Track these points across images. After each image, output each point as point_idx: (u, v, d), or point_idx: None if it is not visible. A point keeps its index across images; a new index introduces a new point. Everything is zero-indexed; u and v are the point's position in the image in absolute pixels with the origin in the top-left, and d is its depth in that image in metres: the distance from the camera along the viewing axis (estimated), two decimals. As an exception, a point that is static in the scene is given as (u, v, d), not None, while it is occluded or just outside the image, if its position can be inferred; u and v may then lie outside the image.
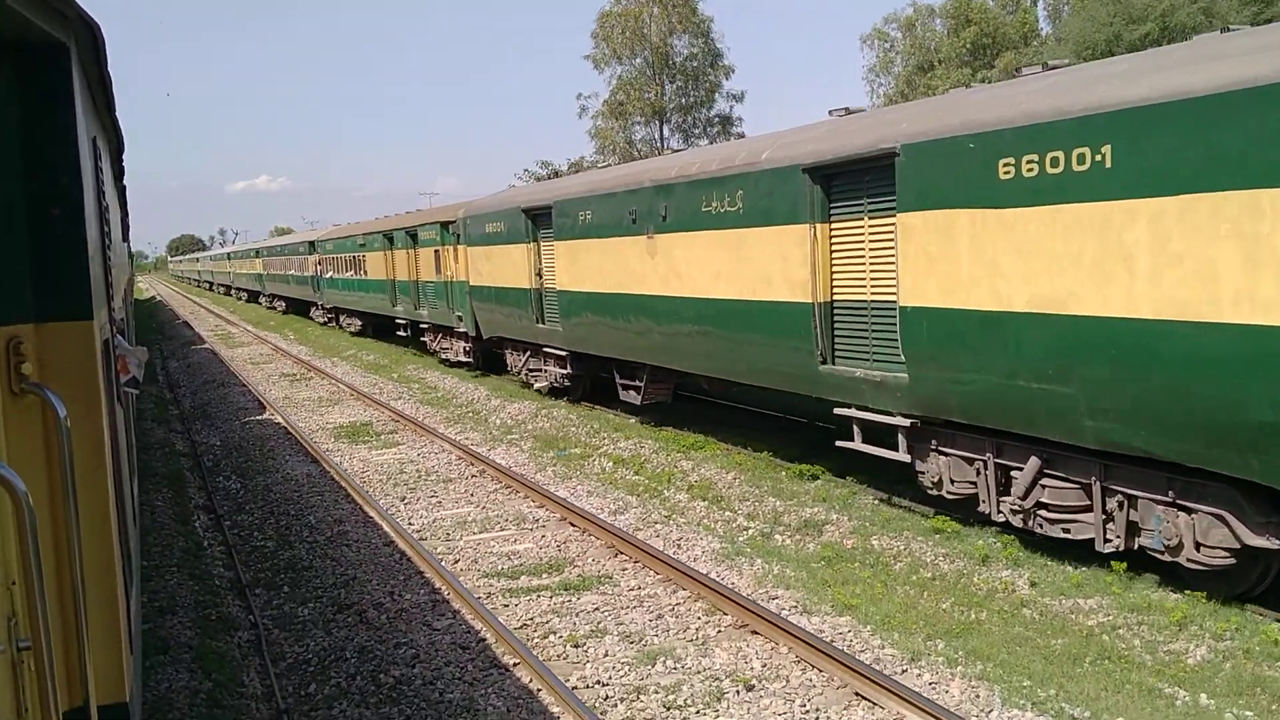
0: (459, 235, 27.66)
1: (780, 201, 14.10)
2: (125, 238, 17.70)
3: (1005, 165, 10.34)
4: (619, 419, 20.79)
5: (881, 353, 12.75)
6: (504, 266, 24.42)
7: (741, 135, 66.84)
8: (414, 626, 10.85)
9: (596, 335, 20.36)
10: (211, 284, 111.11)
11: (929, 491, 12.61)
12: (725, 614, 10.57)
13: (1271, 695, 8.14)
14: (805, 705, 8.51)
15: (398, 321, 35.63)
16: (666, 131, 68.61)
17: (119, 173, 9.21)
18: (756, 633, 10.04)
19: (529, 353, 24.67)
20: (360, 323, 42.96)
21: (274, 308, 65.86)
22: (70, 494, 3.01)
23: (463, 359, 29.66)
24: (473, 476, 17.57)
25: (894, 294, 12.25)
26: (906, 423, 12.44)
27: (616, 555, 12.78)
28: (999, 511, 11.54)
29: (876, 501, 13.95)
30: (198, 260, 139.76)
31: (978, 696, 8.47)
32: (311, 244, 49.81)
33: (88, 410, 3.33)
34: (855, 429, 13.46)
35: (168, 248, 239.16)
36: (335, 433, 22.37)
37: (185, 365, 38.44)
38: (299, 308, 58.41)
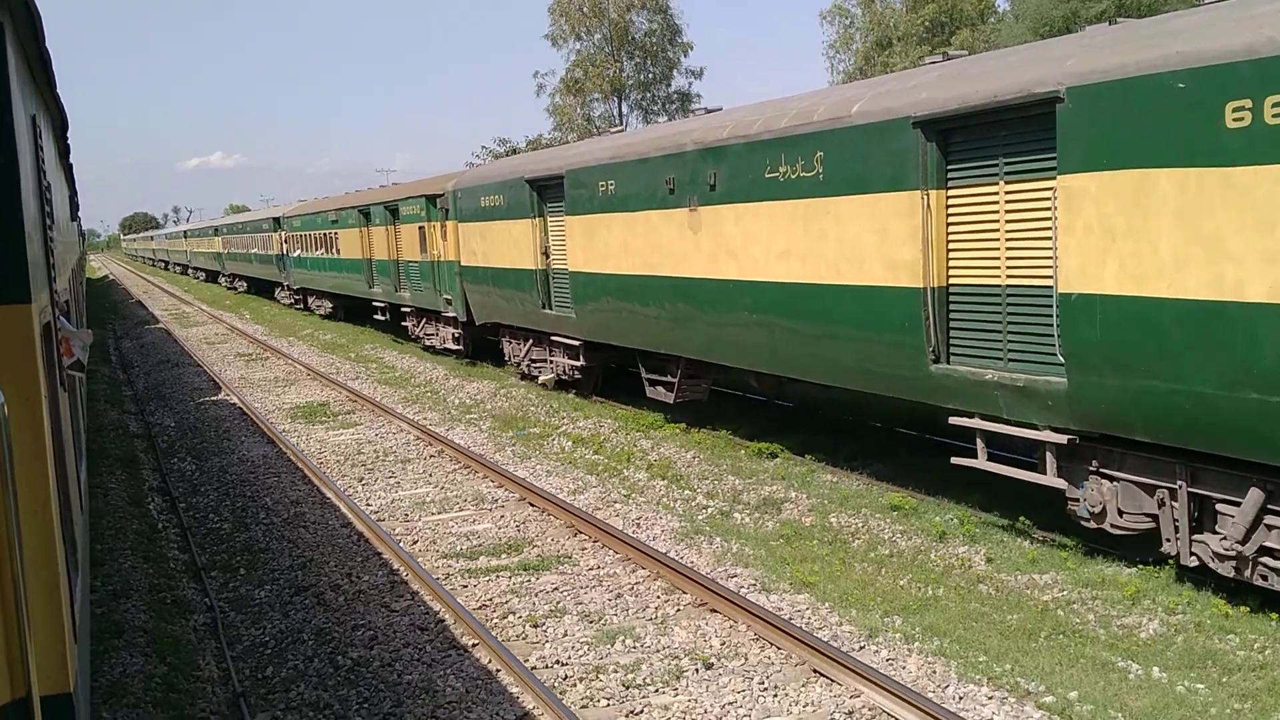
0: (447, 210, 25.14)
1: (879, 164, 11.64)
2: (74, 216, 17.36)
3: (1236, 111, 7.97)
4: (578, 398, 20.74)
5: (1022, 350, 10.47)
6: (503, 245, 21.73)
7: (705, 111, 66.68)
8: (372, 608, 10.78)
9: (619, 323, 17.82)
10: (167, 263, 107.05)
11: (1084, 523, 10.23)
12: (684, 593, 10.59)
13: (1222, 668, 8.27)
14: (763, 682, 8.55)
15: (375, 305, 33.10)
16: (625, 108, 68.34)
17: (64, 150, 9.00)
18: (715, 611, 10.07)
19: (531, 341, 22.13)
20: (331, 305, 40.42)
21: (235, 288, 62.81)
22: (8, 483, 2.93)
23: (451, 346, 26.91)
24: (431, 457, 17.47)
25: (1046, 278, 10.06)
26: (1060, 439, 10.09)
27: (576, 535, 12.77)
28: (1190, 554, 9.28)
29: (834, 479, 14.01)
30: (152, 239, 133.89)
31: (934, 672, 8.54)
32: (277, 221, 46.84)
33: (26, 397, 3.24)
34: (979, 444, 11.21)
35: (120, 226, 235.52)
36: (292, 413, 22.16)
37: (139, 345, 37.91)
38: (262, 288, 55.44)
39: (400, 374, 26.54)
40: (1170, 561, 9.85)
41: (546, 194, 20.28)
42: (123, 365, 32.19)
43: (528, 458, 16.85)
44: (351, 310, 39.01)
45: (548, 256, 20.32)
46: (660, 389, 17.60)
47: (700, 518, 13.11)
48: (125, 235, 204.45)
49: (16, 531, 2.95)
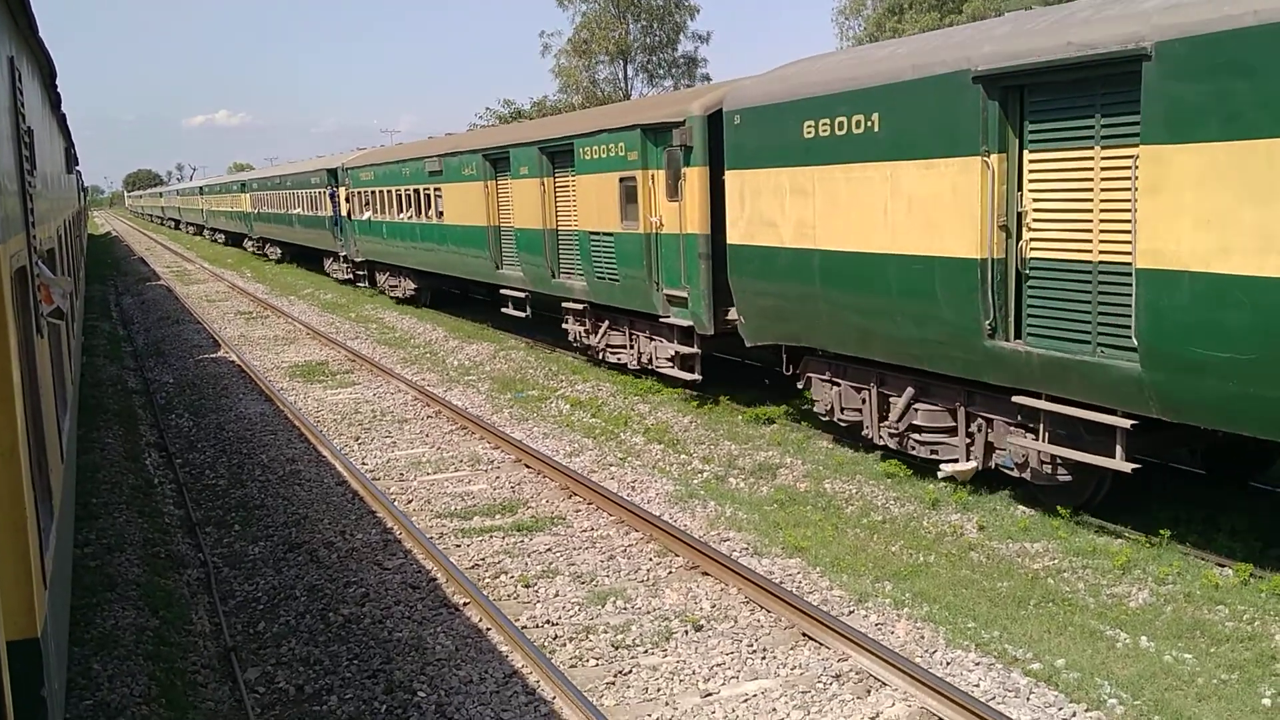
0: (690, 150, 15.57)
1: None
2: (69, 168, 17.22)
3: None
4: (576, 361, 20.70)
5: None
6: (868, 209, 11.94)
7: (707, 77, 66.34)
8: (364, 566, 10.80)
9: None
10: (178, 222, 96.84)
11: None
12: (677, 555, 10.60)
13: (1210, 638, 8.28)
14: (752, 645, 8.56)
15: (507, 293, 23.07)
16: (631, 71, 67.87)
17: (55, 100, 8.91)
18: (707, 574, 10.08)
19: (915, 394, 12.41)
20: (416, 286, 30.80)
21: (266, 254, 53.26)
22: None
23: (667, 369, 17.30)
24: (429, 417, 17.47)
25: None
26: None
27: (571, 497, 12.77)
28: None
29: (830, 446, 14.00)
30: (161, 195, 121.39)
31: (923, 637, 8.56)
32: (333, 173, 36.56)
33: None
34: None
35: (124, 182, 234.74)
36: (290, 372, 22.14)
37: (139, 302, 37.87)
38: (306, 258, 46.66)
39: (400, 334, 26.50)
40: (1162, 532, 9.86)
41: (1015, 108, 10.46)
42: (123, 321, 32.18)
43: (525, 420, 16.84)
44: (445, 298, 30.76)
45: (1017, 234, 10.52)
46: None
47: (695, 482, 13.11)
48: (130, 191, 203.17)
49: None
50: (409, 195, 28.33)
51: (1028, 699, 7.53)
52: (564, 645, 8.79)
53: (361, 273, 35.90)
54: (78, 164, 27.83)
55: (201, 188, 78.51)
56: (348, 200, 34.71)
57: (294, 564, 11.03)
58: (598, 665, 8.41)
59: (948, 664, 8.10)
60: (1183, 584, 9.15)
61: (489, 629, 9.10)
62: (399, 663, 8.58)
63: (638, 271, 17.08)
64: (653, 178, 16.53)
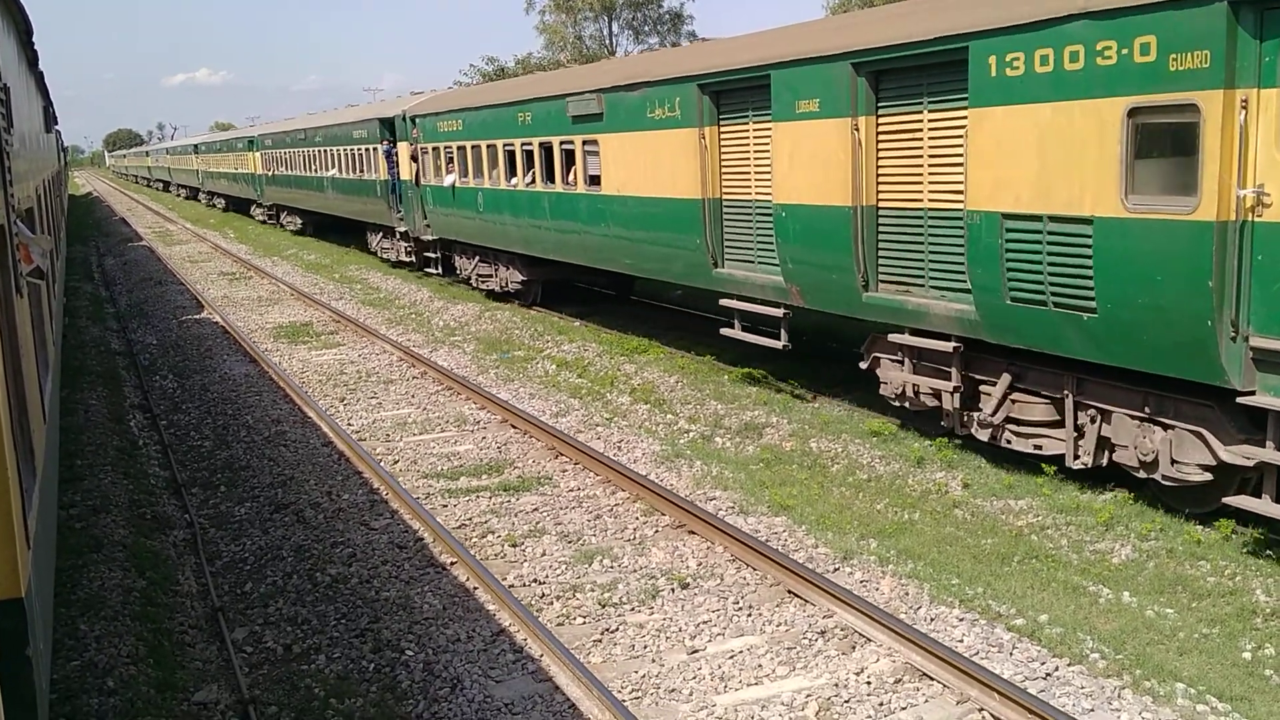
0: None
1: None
2: (48, 128, 17.04)
3: None
4: (563, 321, 20.65)
5: None
6: None
7: (693, 34, 65.83)
8: (351, 526, 10.81)
9: None
10: (168, 184, 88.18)
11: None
12: (663, 514, 10.64)
13: (1192, 593, 8.36)
14: (738, 602, 8.62)
15: (736, 306, 14.94)
16: (616, 28, 67.32)
17: (31, 58, 8.78)
18: (693, 533, 10.12)
19: None
20: (525, 279, 22.69)
21: (281, 224, 45.86)
22: None
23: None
24: (414, 378, 17.44)
25: None
26: None
27: (557, 457, 12.79)
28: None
29: (816, 405, 14.03)
30: (148, 154, 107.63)
31: (907, 594, 8.62)
32: (388, 124, 28.34)
33: None
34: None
35: (104, 142, 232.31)
36: (274, 333, 22.05)
37: (121, 263, 37.60)
38: (339, 229, 38.35)
39: (384, 295, 26.39)
40: (1145, 490, 9.92)
41: None
42: (105, 283, 31.95)
43: (511, 380, 16.83)
44: (561, 292, 23.41)
45: None
46: None
47: (681, 441, 13.14)
48: (112, 151, 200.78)
49: None
50: (528, 152, 20.20)
51: (1011, 653, 7.61)
52: (551, 604, 8.83)
53: (432, 255, 27.10)
54: (57, 123, 27.49)
55: (197, 145, 67.45)
56: (414, 159, 26.31)
57: (281, 524, 11.03)
58: (585, 623, 8.45)
59: (932, 620, 8.17)
60: (1165, 540, 9.23)
61: (476, 588, 9.13)
62: (386, 622, 8.61)
63: (1177, 295, 8.55)
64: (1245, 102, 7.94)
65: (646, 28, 67.07)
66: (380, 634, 8.40)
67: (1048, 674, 7.33)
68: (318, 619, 8.78)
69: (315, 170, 36.79)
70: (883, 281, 12.03)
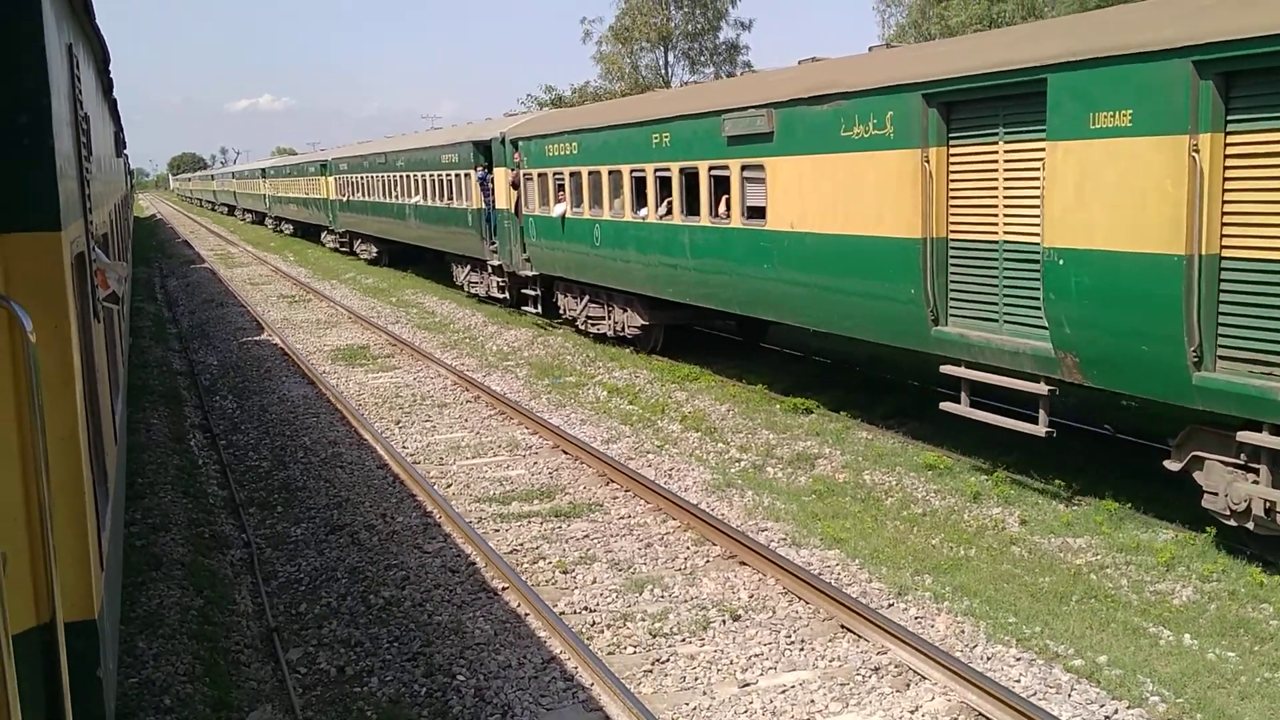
0: None
1: None
2: (118, 153, 17.46)
3: None
4: (614, 349, 20.71)
5: None
6: None
7: (749, 64, 66.07)
8: (405, 549, 10.89)
9: None
10: (232, 208, 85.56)
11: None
12: (714, 544, 10.60)
13: (1255, 637, 8.18)
14: (790, 636, 8.56)
15: (963, 375, 11.91)
16: (672, 58, 67.68)
17: (107, 85, 9.03)
18: (745, 564, 10.08)
19: None
20: (646, 323, 19.72)
21: (354, 252, 42.90)
22: (36, 409, 2.95)
23: None
24: (467, 402, 17.56)
25: None
26: None
27: (608, 484, 12.80)
28: None
29: (869, 437, 13.93)
30: (213, 178, 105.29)
31: (963, 632, 8.51)
32: (483, 147, 25.94)
33: (55, 324, 3.25)
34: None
35: (169, 165, 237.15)
36: (332, 355, 22.33)
37: (184, 285, 38.30)
38: (413, 259, 36.64)
39: (440, 320, 26.64)
40: (1208, 529, 9.73)
41: None
42: (168, 303, 32.57)
43: (562, 406, 16.89)
44: (685, 338, 20.68)
45: None
46: None
47: (733, 471, 13.10)
48: (175, 175, 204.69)
49: (44, 458, 2.98)
50: (664, 179, 17.64)
51: (1069, 695, 7.48)
52: (602, 632, 8.82)
53: (531, 292, 24.17)
54: (125, 148, 28.15)
55: (265, 169, 65.82)
56: (515, 187, 23.90)
57: (336, 546, 11.14)
58: (635, 653, 8.44)
59: (988, 659, 8.06)
60: (1227, 581, 9.04)
61: (527, 614, 9.15)
62: (439, 646, 8.65)
63: None
64: None
65: (703, 58, 67.33)
66: (432, 658, 8.45)
67: (1107, 717, 7.20)
68: (371, 641, 8.85)
69: (395, 197, 34.36)
70: (1228, 359, 8.90)
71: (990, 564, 9.84)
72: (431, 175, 30.11)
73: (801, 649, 8.37)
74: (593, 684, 7.86)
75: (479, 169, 25.90)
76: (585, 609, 9.28)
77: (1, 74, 3.08)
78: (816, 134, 13.43)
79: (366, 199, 38.73)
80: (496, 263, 25.73)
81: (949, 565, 9.84)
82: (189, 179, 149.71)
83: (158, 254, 52.07)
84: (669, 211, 17.40)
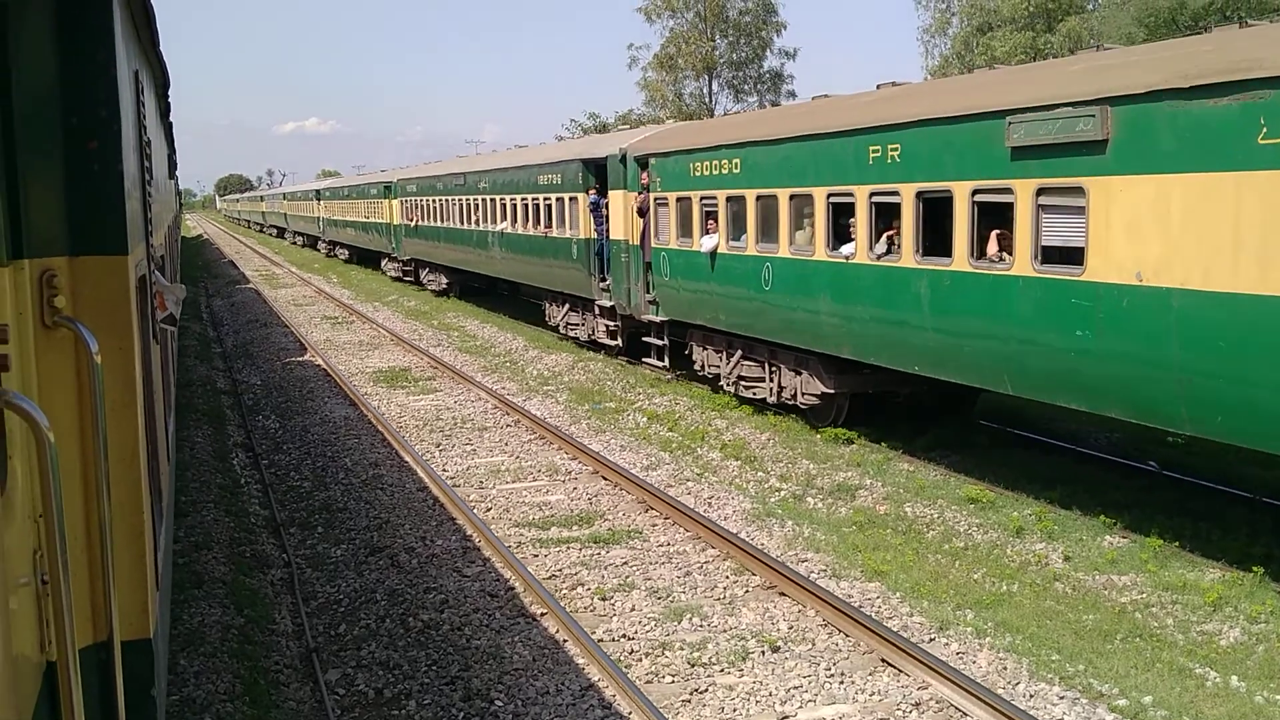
0: None
1: None
2: (171, 175, 17.78)
3: None
4: (654, 373, 20.73)
5: None
6: None
7: (793, 94, 66.24)
8: (444, 572, 10.93)
9: None
10: (282, 231, 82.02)
11: None
12: (754, 574, 10.55)
13: (1305, 681, 8.03)
14: (830, 669, 8.49)
15: None
16: (716, 87, 67.98)
17: (165, 109, 9.22)
18: (784, 594, 10.02)
19: None
20: (829, 387, 15.32)
21: (420, 283, 39.25)
22: (99, 429, 3.01)
23: None
24: (507, 426, 17.63)
25: None
26: None
27: (647, 510, 12.79)
28: None
29: (911, 468, 13.84)
30: (262, 199, 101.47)
31: (1005, 668, 8.41)
32: (595, 166, 22.16)
33: (119, 345, 3.33)
34: None
35: (215, 186, 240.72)
36: (374, 377, 22.51)
37: (229, 304, 38.79)
38: (474, 291, 35.14)
39: (480, 343, 26.79)
40: (1255, 569, 9.57)
41: None
42: (213, 323, 32.99)
43: (602, 431, 16.92)
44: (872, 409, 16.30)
45: None
46: None
47: (772, 500, 13.05)
48: (221, 196, 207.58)
49: (105, 478, 3.04)
50: (885, 205, 13.32)
51: (1113, 736, 7.37)
52: (640, 660, 8.80)
53: (656, 341, 20.02)
54: (176, 169, 28.61)
55: (319, 191, 62.18)
56: (643, 213, 19.77)
57: (375, 568, 11.20)
58: (674, 682, 8.40)
59: (1031, 696, 7.96)
60: (1275, 623, 8.88)
61: (566, 640, 9.14)
62: (477, 670, 8.66)
63: None
64: None
65: (746, 87, 67.61)
66: (470, 682, 8.46)
67: (1152, 759, 7.09)
68: (409, 664, 8.87)
69: (475, 223, 30.45)
70: None
71: (1033, 600, 9.73)
72: (524, 199, 26.32)
73: (841, 682, 8.30)
74: (631, 712, 7.83)
75: (591, 192, 22.05)
76: (624, 636, 9.26)
77: (77, 101, 3.17)
78: (1201, 142, 9.10)
79: (439, 224, 34.83)
80: (607, 304, 21.64)
81: (991, 600, 9.74)
82: (237, 200, 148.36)
83: (204, 274, 52.77)
84: (890, 249, 13.08)
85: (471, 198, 30.81)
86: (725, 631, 9.29)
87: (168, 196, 13.82)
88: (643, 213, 19.73)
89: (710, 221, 17.25)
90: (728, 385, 17.65)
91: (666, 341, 19.80)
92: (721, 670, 8.57)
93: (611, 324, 22.19)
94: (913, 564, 10.71)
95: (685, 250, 18.10)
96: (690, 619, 9.56)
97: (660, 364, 20.19)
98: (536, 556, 11.32)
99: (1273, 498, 11.79)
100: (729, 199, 16.76)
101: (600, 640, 9.10)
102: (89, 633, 3.08)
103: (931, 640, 8.97)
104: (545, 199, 24.73)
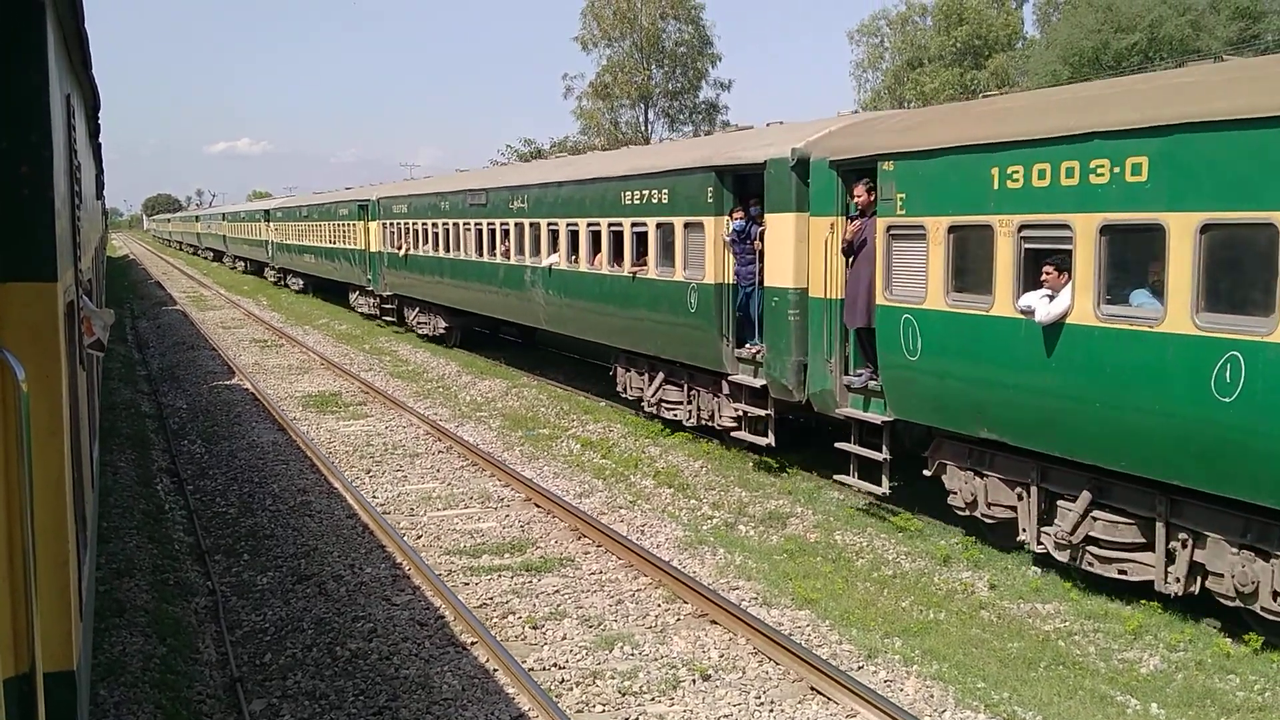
0: None
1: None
2: (99, 195, 17.47)
3: None
4: (589, 400, 20.72)
5: None
6: None
7: (727, 124, 66.94)
8: (373, 601, 10.80)
9: None
10: (220, 254, 76.32)
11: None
12: (685, 602, 10.58)
13: (1221, 707, 8.23)
14: (760, 697, 8.53)
15: None
16: (652, 115, 68.49)
17: (94, 130, 9.07)
18: (715, 622, 10.06)
19: None
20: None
21: (405, 324, 33.02)
22: (24, 457, 2.96)
23: None
24: (439, 452, 17.50)
25: None
26: None
27: (580, 538, 12.77)
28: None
29: (841, 497, 13.98)
30: (198, 219, 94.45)
31: (932, 696, 8.52)
32: (731, 177, 15.29)
33: (47, 374, 3.27)
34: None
35: (143, 206, 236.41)
36: (304, 401, 22.22)
37: (155, 326, 38.08)
38: (505, 345, 29.23)
39: (413, 368, 26.58)
40: (1174, 597, 9.81)
41: None
42: (139, 345, 32.34)
43: (535, 458, 16.86)
44: None
45: None
46: None
47: (705, 528, 13.10)
48: (149, 216, 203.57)
49: (29, 507, 2.98)
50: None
51: (1036, 763, 7.48)
52: (571, 689, 8.76)
53: (876, 455, 12.81)
54: (104, 190, 28.09)
55: (269, 211, 54.08)
56: (851, 252, 12.84)
57: (302, 596, 11.03)
58: (604, 712, 8.39)
59: (956, 724, 8.06)
60: (1194, 651, 9.11)
61: (496, 670, 9.08)
62: (405, 700, 8.56)
63: None
64: None
65: (682, 116, 68.23)
66: (398, 713, 8.36)
67: (1074, 785, 7.21)
68: (336, 694, 8.75)
69: (502, 255, 23.52)
70: None
71: (960, 628, 9.87)
72: (592, 224, 19.21)
73: (771, 710, 8.34)
74: (561, 742, 7.79)
75: (735, 215, 15.30)
76: (555, 665, 9.22)
77: (7, 126, 3.13)
78: None
79: (441, 254, 27.76)
80: (757, 383, 14.96)
81: (919, 628, 9.86)
82: (168, 219, 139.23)
83: (129, 295, 51.73)
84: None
85: (498, 222, 23.75)
86: (657, 660, 9.30)
87: (95, 218, 13.59)
88: (851, 251, 12.88)
89: (1048, 269, 10.10)
90: (1052, 550, 10.63)
91: (888, 456, 12.69)
92: (652, 699, 8.57)
93: (760, 411, 15.18)
94: (842, 592, 10.81)
95: (966, 314, 11.14)
96: (622, 647, 9.55)
97: (879, 493, 12.95)
98: (467, 585, 11.24)
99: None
100: (1107, 228, 9.42)
101: (531, 669, 9.05)
102: (10, 664, 3.02)
103: (860, 668, 9.06)
104: (636, 224, 17.64)
